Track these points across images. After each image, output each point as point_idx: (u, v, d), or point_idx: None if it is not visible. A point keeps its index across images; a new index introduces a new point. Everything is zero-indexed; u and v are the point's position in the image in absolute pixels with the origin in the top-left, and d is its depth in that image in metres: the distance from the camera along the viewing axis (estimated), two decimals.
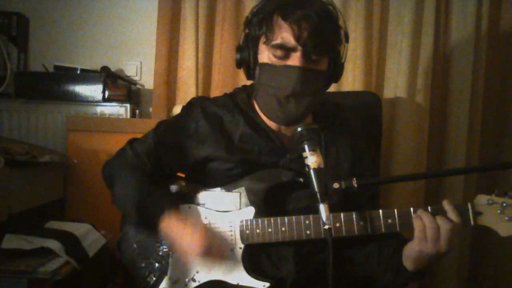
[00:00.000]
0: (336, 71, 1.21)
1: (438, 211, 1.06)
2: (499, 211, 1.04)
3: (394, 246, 1.15)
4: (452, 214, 1.04)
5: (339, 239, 1.09)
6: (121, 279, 1.29)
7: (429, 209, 1.07)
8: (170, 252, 1.20)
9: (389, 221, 1.09)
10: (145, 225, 1.21)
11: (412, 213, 1.08)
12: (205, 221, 1.18)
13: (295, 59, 1.10)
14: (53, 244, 1.42)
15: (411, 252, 1.08)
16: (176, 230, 1.12)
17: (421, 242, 1.04)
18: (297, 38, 1.08)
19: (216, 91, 2.09)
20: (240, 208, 1.16)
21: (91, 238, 1.63)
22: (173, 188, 1.26)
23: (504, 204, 1.04)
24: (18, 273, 1.28)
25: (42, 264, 1.32)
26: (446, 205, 1.06)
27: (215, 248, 1.11)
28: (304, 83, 1.11)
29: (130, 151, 1.27)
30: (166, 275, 1.19)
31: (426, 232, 1.03)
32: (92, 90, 2.11)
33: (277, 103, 1.14)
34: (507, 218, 1.04)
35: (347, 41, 1.20)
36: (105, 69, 2.19)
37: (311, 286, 1.19)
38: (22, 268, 1.28)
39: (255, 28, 1.15)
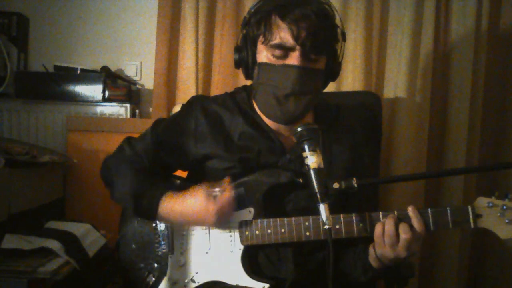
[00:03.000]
0: (334, 70, 1.21)
1: (404, 217, 1.06)
2: (499, 214, 1.04)
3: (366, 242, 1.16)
4: (415, 222, 1.05)
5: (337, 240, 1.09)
6: (120, 280, 1.29)
7: (395, 214, 1.07)
8: (169, 254, 1.20)
9: None
10: (145, 213, 1.19)
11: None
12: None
13: (294, 59, 1.10)
14: (53, 244, 1.42)
15: (372, 252, 1.10)
16: (180, 208, 1.11)
17: (379, 245, 1.06)
18: (296, 38, 1.08)
19: (216, 91, 2.09)
20: (239, 209, 1.16)
21: (91, 238, 1.64)
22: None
23: (504, 207, 1.04)
24: (18, 273, 1.28)
25: (42, 264, 1.33)
26: (411, 212, 1.06)
27: (225, 206, 1.10)
28: (303, 82, 1.11)
29: (128, 149, 1.27)
30: (165, 275, 1.19)
31: (384, 238, 1.04)
32: (92, 90, 2.11)
33: (276, 102, 1.14)
34: (507, 221, 1.04)
35: (344, 39, 1.21)
36: (105, 69, 2.19)
37: (310, 286, 1.19)
38: (22, 268, 1.29)
39: (253, 28, 1.16)
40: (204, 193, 1.10)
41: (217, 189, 1.12)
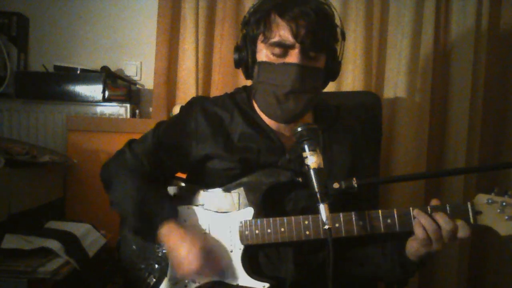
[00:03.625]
0: (333, 69, 1.21)
1: (438, 209, 1.06)
2: (498, 211, 1.04)
3: (395, 241, 1.16)
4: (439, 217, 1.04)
5: (342, 240, 1.09)
6: (121, 280, 1.29)
7: (429, 208, 1.07)
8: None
9: (389, 221, 1.09)
10: (144, 232, 1.20)
11: (412, 213, 1.08)
12: (204, 224, 1.18)
13: (293, 57, 1.11)
14: (53, 244, 1.42)
15: (416, 250, 1.09)
16: (174, 241, 1.12)
17: (423, 244, 1.05)
18: (295, 36, 1.09)
19: (216, 91, 2.09)
20: (239, 209, 1.16)
21: (91, 238, 1.64)
22: (172, 189, 1.25)
23: (504, 204, 1.04)
24: (18, 273, 1.28)
25: (42, 264, 1.32)
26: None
27: (211, 260, 1.11)
28: (302, 80, 1.12)
29: (129, 153, 1.26)
30: (166, 276, 1.19)
31: (429, 235, 1.04)
32: (92, 90, 2.10)
33: (276, 100, 1.14)
34: (506, 218, 1.04)
35: (343, 39, 1.21)
36: (105, 69, 2.19)
37: (310, 286, 1.19)
38: (22, 268, 1.29)
39: (253, 27, 1.16)
40: (200, 245, 1.10)
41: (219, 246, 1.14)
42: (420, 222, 1.04)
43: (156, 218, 1.15)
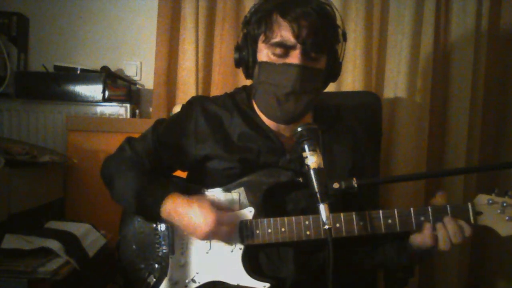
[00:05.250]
0: (334, 70, 1.21)
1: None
2: (499, 211, 1.05)
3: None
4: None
5: (344, 239, 1.10)
6: (121, 280, 1.29)
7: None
8: (170, 254, 1.20)
9: (389, 221, 1.09)
10: (148, 212, 1.18)
11: (412, 213, 1.08)
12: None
13: (294, 57, 1.11)
14: (53, 244, 1.42)
15: (419, 244, 1.12)
16: (182, 208, 1.11)
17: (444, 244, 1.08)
18: (297, 36, 1.09)
19: (216, 91, 2.09)
20: (239, 209, 1.16)
21: (91, 238, 1.63)
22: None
23: (504, 204, 1.04)
24: (18, 273, 1.28)
25: (42, 264, 1.32)
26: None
27: (225, 220, 1.11)
28: (303, 81, 1.11)
29: (129, 150, 1.26)
30: (166, 276, 1.19)
31: (451, 238, 1.07)
32: (92, 90, 2.11)
33: (276, 101, 1.14)
34: (507, 218, 1.04)
35: (344, 40, 1.21)
36: (105, 69, 2.19)
37: (311, 286, 1.19)
38: (22, 268, 1.29)
39: (254, 27, 1.16)
40: (211, 206, 1.10)
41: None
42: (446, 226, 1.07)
43: (159, 193, 1.14)
